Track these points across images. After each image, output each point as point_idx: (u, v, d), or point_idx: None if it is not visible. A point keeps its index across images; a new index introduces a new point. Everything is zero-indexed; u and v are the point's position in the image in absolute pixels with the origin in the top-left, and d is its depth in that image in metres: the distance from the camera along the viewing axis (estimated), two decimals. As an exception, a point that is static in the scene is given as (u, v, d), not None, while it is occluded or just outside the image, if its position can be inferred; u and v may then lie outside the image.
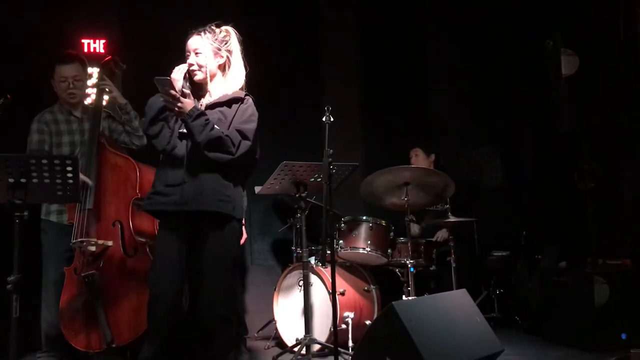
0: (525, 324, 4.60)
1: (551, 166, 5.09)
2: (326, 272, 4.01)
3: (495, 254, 4.97)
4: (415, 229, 4.65)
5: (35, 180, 2.63)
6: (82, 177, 3.27)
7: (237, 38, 2.91)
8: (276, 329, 4.20)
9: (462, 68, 5.55)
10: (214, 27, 2.87)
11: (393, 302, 2.85)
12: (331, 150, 3.13)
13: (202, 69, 2.84)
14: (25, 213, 2.64)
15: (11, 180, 2.59)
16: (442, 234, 4.53)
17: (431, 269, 4.34)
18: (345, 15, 5.58)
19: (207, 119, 2.71)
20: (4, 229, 2.79)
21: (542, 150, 5.23)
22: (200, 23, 2.92)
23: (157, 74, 2.68)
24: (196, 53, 2.83)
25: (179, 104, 2.70)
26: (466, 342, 2.96)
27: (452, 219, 4.23)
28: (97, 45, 4.68)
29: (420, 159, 4.78)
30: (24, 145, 3.62)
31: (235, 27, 2.93)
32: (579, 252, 4.38)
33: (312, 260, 4.14)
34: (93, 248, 3.31)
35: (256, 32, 3.02)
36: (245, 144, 2.74)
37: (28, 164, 2.60)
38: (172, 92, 2.68)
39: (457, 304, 3.17)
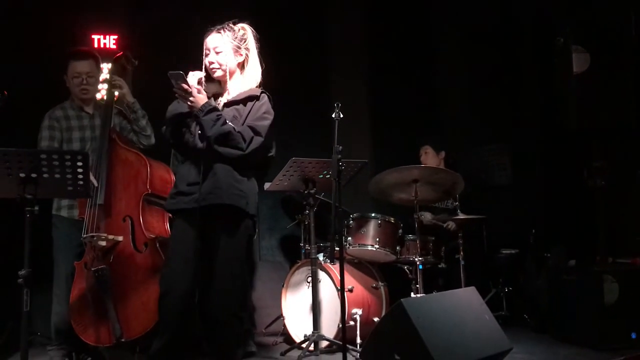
0: (533, 322, 4.58)
1: (560, 164, 5.06)
2: (334, 268, 4.01)
3: (503, 251, 4.95)
4: (427, 216, 4.64)
5: (45, 175, 2.64)
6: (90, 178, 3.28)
7: (254, 35, 2.92)
8: (284, 325, 4.20)
9: (470, 64, 5.53)
10: (232, 25, 2.87)
11: (402, 300, 2.85)
12: (340, 147, 3.12)
13: (223, 67, 2.85)
14: (36, 208, 2.64)
15: (22, 175, 2.60)
16: (452, 223, 4.51)
17: (440, 266, 4.34)
18: (353, 13, 5.57)
19: (219, 115, 2.73)
20: (15, 223, 2.81)
21: (551, 147, 5.20)
22: (210, 19, 2.92)
23: (166, 70, 2.69)
24: (217, 51, 2.84)
25: (192, 98, 2.73)
26: (475, 340, 2.96)
27: (461, 216, 4.22)
28: (107, 41, 4.69)
29: (430, 157, 4.77)
30: (35, 141, 3.64)
31: (237, 20, 2.93)
32: (588, 250, 4.36)
33: (321, 256, 4.15)
34: (103, 243, 3.32)
35: (265, 29, 3.01)
36: (257, 140, 2.75)
37: (39, 159, 2.61)
38: (185, 86, 2.71)
39: (466, 301, 3.17)
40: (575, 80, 4.16)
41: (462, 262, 4.19)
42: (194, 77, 2.79)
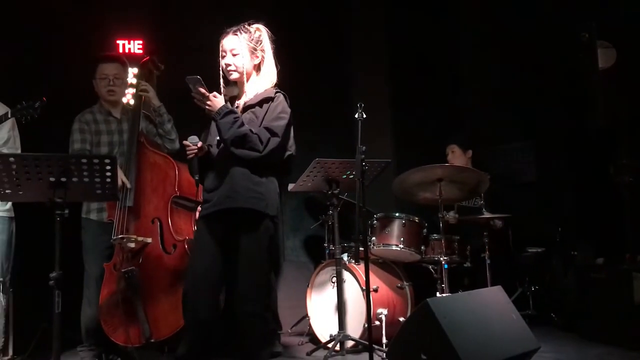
0: (560, 321, 4.53)
1: (587, 160, 4.99)
2: (359, 268, 4.01)
3: (529, 250, 4.91)
4: (452, 216, 4.61)
5: (75, 179, 2.68)
6: (122, 178, 3.34)
7: (269, 36, 2.92)
8: (309, 325, 4.22)
9: (494, 61, 5.48)
10: (248, 27, 2.88)
11: (427, 299, 2.84)
12: (364, 147, 3.12)
13: (239, 70, 2.86)
14: (66, 211, 2.69)
15: (52, 179, 2.64)
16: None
17: (465, 265, 4.31)
18: (375, 12, 5.57)
19: (237, 117, 2.74)
20: (46, 227, 2.87)
21: (577, 144, 5.13)
22: (233, 20, 2.94)
23: (190, 74, 2.73)
24: (233, 54, 2.85)
25: (209, 102, 2.75)
26: (502, 339, 2.93)
27: (486, 214, 4.19)
28: (131, 46, 4.76)
29: (456, 156, 4.74)
30: (64, 144, 3.71)
31: (265, 24, 2.94)
32: (617, 248, 4.29)
33: (345, 257, 4.15)
34: (132, 245, 3.37)
35: (285, 29, 3.03)
36: (274, 141, 2.75)
37: (68, 164, 2.65)
38: (202, 90, 2.73)
39: (492, 300, 3.14)
40: (600, 76, 4.10)
41: (488, 261, 4.16)
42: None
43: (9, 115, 3.23)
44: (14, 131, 3.52)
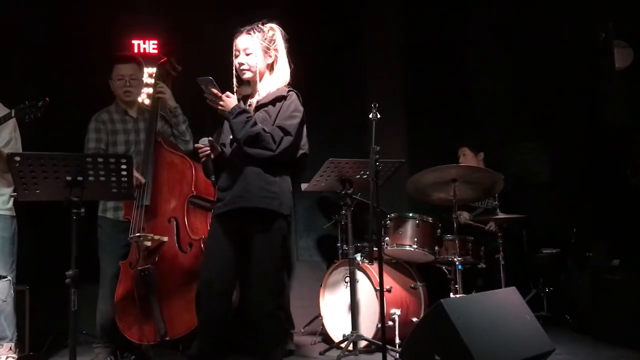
0: (575, 323, 4.50)
1: (602, 160, 4.95)
2: (372, 268, 4.01)
3: (544, 251, 4.88)
4: (465, 216, 4.60)
5: (91, 178, 2.70)
6: (136, 175, 3.36)
7: (282, 36, 2.92)
8: (322, 324, 4.22)
9: (507, 60, 5.46)
10: (261, 26, 2.89)
11: (441, 300, 2.83)
12: (378, 147, 3.12)
13: (252, 69, 2.86)
14: (82, 210, 2.71)
15: (69, 178, 2.67)
16: (493, 224, 4.45)
17: (479, 266, 4.30)
18: (389, 11, 5.56)
19: (249, 116, 2.75)
20: (62, 225, 2.90)
21: (592, 144, 5.09)
22: (247, 20, 2.95)
23: (204, 74, 2.74)
24: (247, 53, 2.85)
25: (221, 102, 2.76)
26: (516, 341, 2.92)
27: (500, 215, 4.17)
28: (146, 46, 4.80)
29: (468, 158, 4.72)
30: (81, 143, 3.74)
31: (279, 24, 2.95)
32: (632, 249, 4.26)
33: (358, 257, 4.15)
34: (149, 243, 3.39)
35: (299, 28, 3.03)
36: (287, 140, 2.76)
37: (85, 163, 2.68)
38: (215, 90, 2.74)
39: (507, 301, 3.13)
40: (617, 75, 4.06)
41: (502, 262, 4.13)
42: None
43: (12, 115, 3.25)
44: (16, 132, 3.56)
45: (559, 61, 5.29)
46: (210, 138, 2.86)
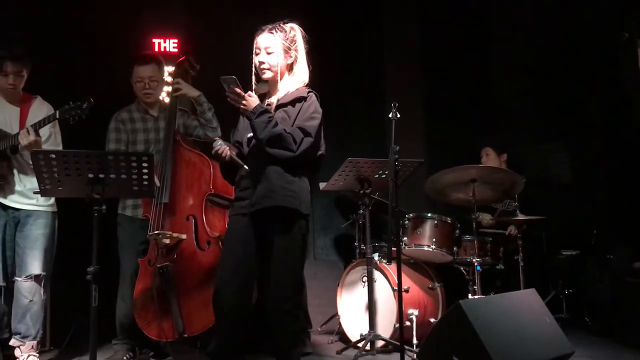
0: (595, 326, 4.45)
1: (624, 161, 4.89)
2: (390, 268, 4.00)
3: (564, 253, 4.83)
4: (487, 219, 4.57)
5: (112, 176, 2.73)
6: None
7: (303, 36, 2.93)
8: (339, 323, 4.22)
9: (529, 60, 5.41)
10: (283, 25, 2.89)
11: (460, 301, 2.82)
12: (397, 147, 3.11)
13: (273, 69, 2.87)
14: (103, 207, 2.74)
15: (90, 175, 2.70)
16: (513, 228, 4.43)
17: (498, 267, 4.27)
18: (408, 11, 5.54)
19: (271, 116, 2.75)
20: (83, 222, 2.93)
21: (614, 145, 5.03)
22: (266, 19, 2.95)
23: (225, 73, 2.75)
24: (268, 52, 2.85)
25: (244, 102, 2.76)
26: (535, 343, 2.90)
27: (520, 217, 4.13)
28: (167, 45, 4.83)
29: (491, 159, 4.68)
30: (102, 141, 3.77)
31: (299, 23, 2.95)
32: (654, 252, 4.21)
33: (376, 256, 4.15)
34: (167, 241, 3.42)
35: (319, 29, 3.03)
36: (307, 141, 2.76)
37: (106, 161, 2.71)
38: (237, 90, 2.75)
39: (526, 303, 3.11)
40: (640, 75, 4.02)
41: (521, 264, 4.10)
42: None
43: (57, 116, 3.29)
44: (55, 128, 3.60)
45: (581, 61, 5.23)
46: (220, 139, 2.89)
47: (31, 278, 3.49)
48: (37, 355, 3.55)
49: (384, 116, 4.82)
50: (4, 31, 4.50)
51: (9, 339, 3.52)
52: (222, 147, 2.85)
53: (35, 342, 3.53)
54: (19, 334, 3.48)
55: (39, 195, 3.43)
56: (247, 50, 2.95)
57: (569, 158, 5.15)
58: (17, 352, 3.50)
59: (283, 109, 2.85)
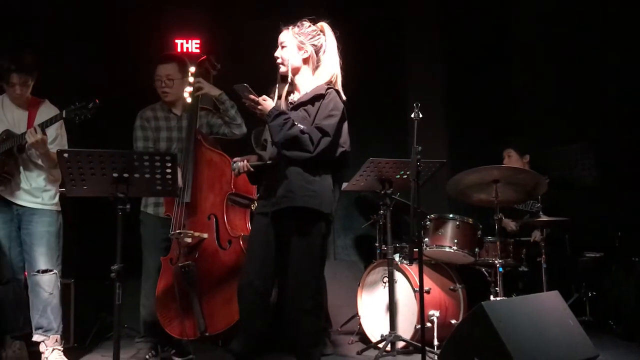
0: (619, 329, 4.38)
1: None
2: (411, 269, 3.99)
3: (587, 255, 4.76)
4: (511, 225, 4.54)
5: (136, 175, 2.76)
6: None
7: (332, 34, 2.93)
8: (360, 324, 4.22)
9: (552, 60, 5.35)
10: (303, 22, 2.91)
11: (482, 302, 2.80)
12: (420, 147, 3.10)
13: (285, 63, 2.89)
14: (128, 206, 2.78)
15: (115, 175, 2.73)
16: (538, 234, 4.38)
17: (520, 269, 4.23)
18: (430, 11, 5.51)
19: (287, 118, 2.76)
20: (107, 220, 2.97)
21: (639, 145, 4.95)
22: (289, 20, 2.96)
23: (247, 72, 2.78)
24: (282, 47, 2.90)
25: (260, 107, 2.80)
26: (559, 346, 2.87)
27: (543, 218, 4.09)
28: (189, 45, 4.86)
29: (513, 160, 4.64)
30: (126, 140, 3.81)
31: (315, 17, 2.95)
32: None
33: (397, 257, 4.13)
34: (189, 240, 3.44)
35: (341, 28, 3.03)
36: (325, 141, 2.76)
37: (131, 160, 2.74)
38: (251, 96, 2.79)
39: (549, 306, 3.08)
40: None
41: (544, 265, 4.05)
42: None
43: (63, 116, 3.35)
44: (62, 130, 3.65)
45: (603, 60, 5.16)
46: (235, 159, 2.96)
47: (46, 272, 3.54)
48: (61, 349, 3.59)
49: (405, 116, 4.81)
50: (27, 32, 4.58)
51: (31, 334, 3.57)
52: (237, 169, 2.92)
53: (58, 335, 3.57)
54: (41, 328, 3.53)
55: (44, 194, 3.55)
56: (268, 50, 2.98)
57: (593, 159, 5.07)
58: (41, 347, 3.54)
59: (303, 107, 2.86)
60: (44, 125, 3.39)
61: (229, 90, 3.71)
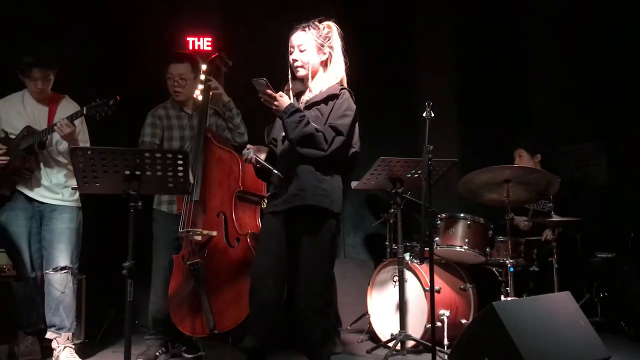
0: (631, 330, 4.35)
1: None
2: (421, 268, 3.98)
3: (599, 255, 4.74)
4: (523, 223, 4.51)
5: (148, 173, 2.76)
6: None
7: (338, 33, 2.94)
8: (369, 323, 4.22)
9: (563, 58, 5.31)
10: (317, 23, 2.91)
11: (493, 302, 2.79)
12: (431, 147, 3.09)
13: (306, 66, 2.89)
14: (139, 203, 2.78)
15: (127, 172, 2.74)
16: (549, 233, 4.36)
17: (531, 269, 4.21)
18: (441, 10, 5.49)
19: (302, 116, 2.77)
20: (119, 217, 2.98)
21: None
22: (300, 18, 2.96)
23: (259, 71, 2.78)
24: (300, 49, 2.88)
25: (276, 102, 2.79)
26: (570, 346, 2.85)
27: (555, 218, 4.06)
28: (201, 43, 4.87)
29: (524, 160, 4.61)
30: (136, 139, 3.83)
31: (323, 17, 2.95)
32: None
33: (407, 256, 4.12)
34: (198, 237, 3.45)
35: (352, 28, 3.03)
36: (339, 140, 2.77)
37: (143, 158, 2.74)
38: (269, 91, 2.78)
39: (560, 306, 3.06)
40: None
41: (556, 266, 4.03)
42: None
43: (84, 112, 3.38)
44: (83, 125, 3.68)
45: (618, 59, 5.12)
46: (249, 147, 2.93)
47: (60, 270, 3.56)
48: (73, 346, 3.62)
49: (415, 115, 4.80)
50: (39, 30, 4.61)
51: (45, 331, 3.60)
52: (249, 155, 2.88)
53: (70, 333, 3.60)
54: (54, 326, 3.56)
55: (65, 190, 3.57)
56: (280, 49, 2.98)
57: (604, 158, 5.04)
58: (54, 344, 3.58)
59: (316, 107, 2.87)
60: (71, 119, 3.41)
61: (240, 90, 3.74)
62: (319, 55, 2.90)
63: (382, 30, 5.25)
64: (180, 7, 4.97)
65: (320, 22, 2.92)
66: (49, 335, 3.57)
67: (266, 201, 3.17)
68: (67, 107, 3.65)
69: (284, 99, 2.81)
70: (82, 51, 4.70)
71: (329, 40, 2.90)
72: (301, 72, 2.91)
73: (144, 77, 4.44)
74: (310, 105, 2.89)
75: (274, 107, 2.81)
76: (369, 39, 5.05)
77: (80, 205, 3.70)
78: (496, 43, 5.39)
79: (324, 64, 2.93)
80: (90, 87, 4.16)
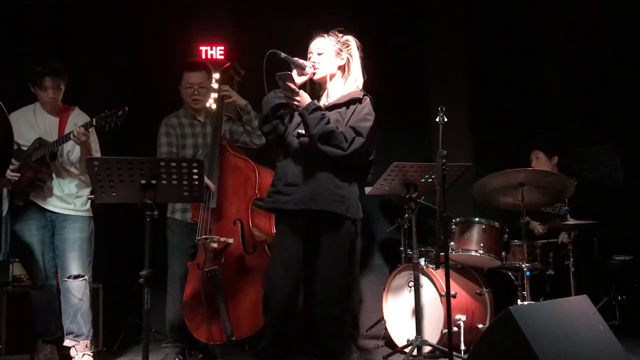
0: (651, 334, 4.31)
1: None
2: (436, 273, 3.97)
3: (616, 258, 4.69)
4: (539, 228, 4.49)
5: (164, 182, 2.80)
6: (207, 182, 3.45)
7: (358, 46, 2.96)
8: (385, 328, 4.21)
9: (578, 60, 5.28)
10: (336, 32, 2.94)
11: (510, 307, 2.76)
12: (445, 151, 3.09)
13: (323, 68, 2.90)
14: (155, 212, 2.82)
15: (143, 181, 2.78)
16: (565, 236, 4.33)
17: (548, 272, 4.18)
18: (453, 12, 5.48)
19: (324, 114, 2.78)
20: (135, 226, 3.01)
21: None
22: (313, 27, 2.98)
23: (271, 79, 2.79)
24: (318, 52, 2.91)
25: (297, 98, 2.80)
26: (588, 351, 2.82)
27: (571, 221, 4.03)
28: (214, 52, 4.90)
29: (541, 162, 4.59)
30: (149, 147, 3.86)
31: (345, 26, 2.97)
32: None
33: (422, 261, 4.11)
34: (215, 245, 3.47)
35: (366, 33, 3.04)
36: (359, 141, 2.76)
37: (158, 167, 2.78)
38: (292, 85, 2.78)
39: (578, 310, 3.03)
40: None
41: (572, 269, 4.00)
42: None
43: (94, 123, 3.43)
44: (94, 135, 3.73)
45: (633, 60, 5.08)
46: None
47: (78, 278, 3.60)
48: (91, 354, 3.65)
49: (427, 120, 4.79)
50: (51, 40, 4.67)
51: (62, 338, 3.64)
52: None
53: (88, 340, 3.64)
54: (72, 333, 3.60)
55: (76, 200, 3.63)
56: (293, 56, 2.99)
57: (621, 160, 4.99)
58: (72, 352, 3.61)
59: (337, 110, 2.88)
60: (86, 128, 3.47)
61: (252, 100, 3.77)
62: (336, 59, 2.92)
63: (395, 35, 5.24)
64: (193, 16, 5.00)
65: (340, 32, 2.95)
66: (67, 342, 3.61)
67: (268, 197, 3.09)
68: (77, 118, 3.71)
69: (305, 97, 2.82)
70: (91, 61, 4.75)
71: (347, 47, 2.93)
72: (319, 74, 2.92)
73: (157, 86, 4.48)
74: (331, 108, 2.89)
75: (295, 103, 2.80)
76: (381, 42, 5.03)
77: (91, 215, 3.75)
78: (511, 46, 5.36)
79: (342, 68, 2.94)
80: (102, 98, 4.21)
